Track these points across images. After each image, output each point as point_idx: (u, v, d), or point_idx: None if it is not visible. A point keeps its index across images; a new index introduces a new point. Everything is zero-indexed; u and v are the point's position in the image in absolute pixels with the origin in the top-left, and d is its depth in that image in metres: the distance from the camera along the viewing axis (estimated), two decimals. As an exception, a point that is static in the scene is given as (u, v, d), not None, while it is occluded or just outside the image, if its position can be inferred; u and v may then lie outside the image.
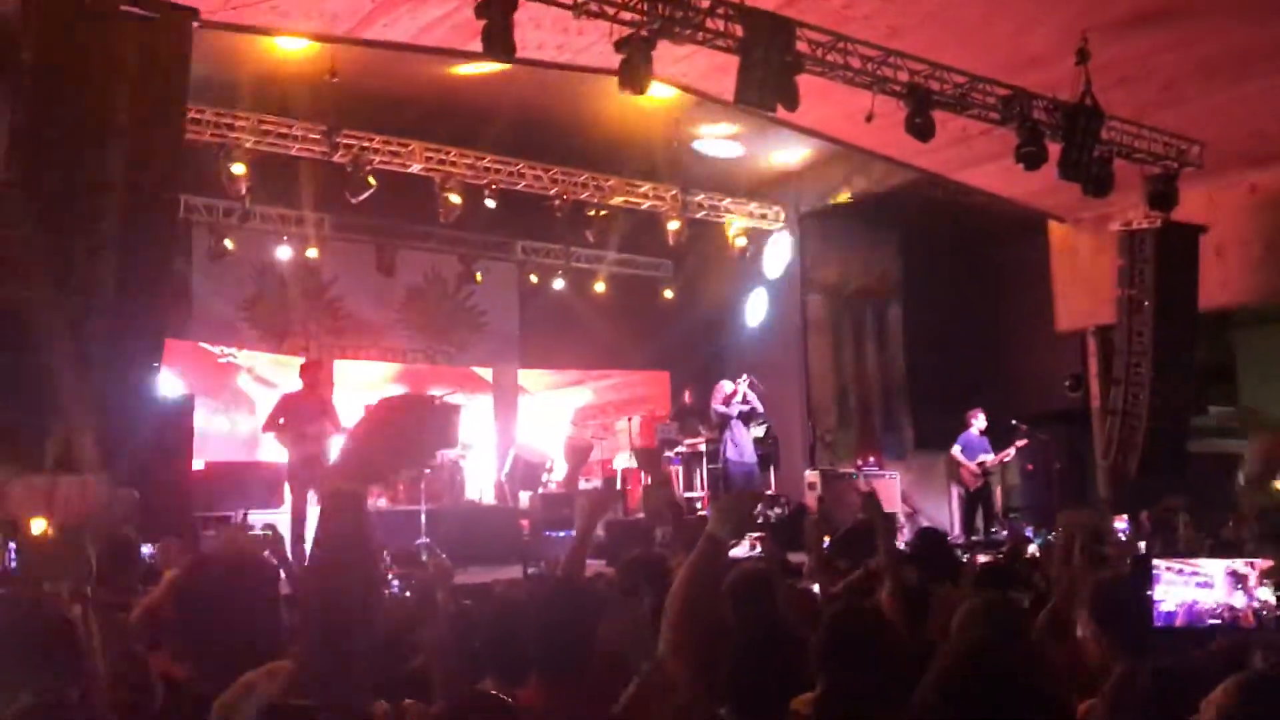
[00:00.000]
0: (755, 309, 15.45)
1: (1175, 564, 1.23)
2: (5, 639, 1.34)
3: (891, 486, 13.18)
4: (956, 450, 12.95)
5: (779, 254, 15.17)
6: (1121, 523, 9.48)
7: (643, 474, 13.58)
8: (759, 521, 11.03)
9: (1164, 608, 1.26)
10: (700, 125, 12.67)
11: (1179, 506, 7.97)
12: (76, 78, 6.38)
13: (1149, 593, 1.27)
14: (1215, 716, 1.83)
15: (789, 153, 13.66)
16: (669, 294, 15.40)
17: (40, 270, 6.12)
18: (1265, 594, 1.25)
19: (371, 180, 11.73)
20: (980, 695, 1.80)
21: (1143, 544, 7.18)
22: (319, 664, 1.59)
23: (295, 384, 10.90)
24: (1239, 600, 1.28)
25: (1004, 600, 2.90)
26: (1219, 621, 1.31)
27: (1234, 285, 12.11)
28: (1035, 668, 1.86)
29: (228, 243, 12.33)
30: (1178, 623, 1.33)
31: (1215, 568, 1.22)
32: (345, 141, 11.77)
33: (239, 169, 11.21)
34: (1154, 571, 1.25)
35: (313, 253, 13.04)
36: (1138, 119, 10.68)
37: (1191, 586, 1.27)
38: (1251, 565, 1.22)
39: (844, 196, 14.20)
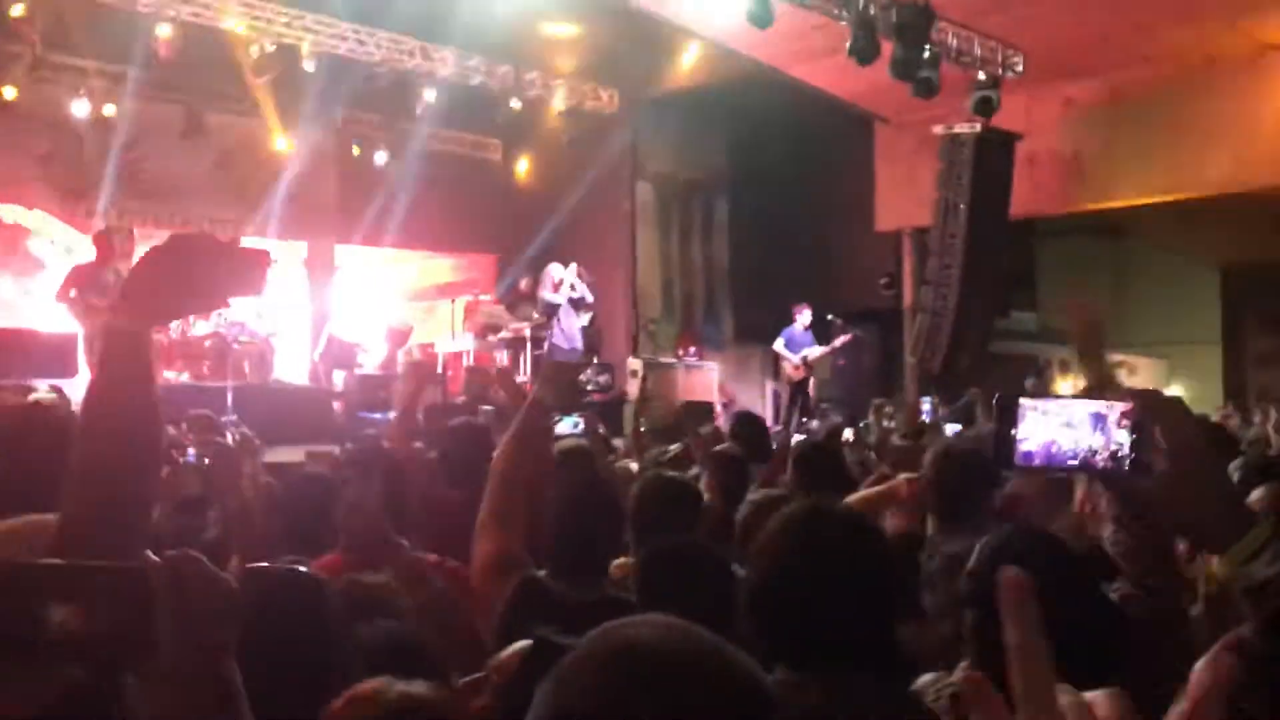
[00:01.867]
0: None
1: (1042, 404, 1.22)
2: None
3: (711, 377, 13.39)
4: (779, 344, 13.17)
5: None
6: (924, 404, 9.96)
7: (464, 356, 13.39)
8: (585, 390, 11.04)
9: (1024, 447, 1.25)
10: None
11: (977, 396, 8.39)
12: None
13: (1013, 432, 1.26)
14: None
15: (624, 35, 13.37)
16: (498, 175, 15.03)
17: None
18: (1122, 436, 1.25)
19: (174, 31, 10.92)
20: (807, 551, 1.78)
21: (949, 426, 7.52)
22: (87, 518, 1.41)
23: (87, 254, 10.21)
24: (1097, 441, 1.28)
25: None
26: (1075, 462, 1.30)
27: (1043, 195, 12.65)
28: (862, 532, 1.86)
29: (14, 92, 11.32)
30: (1036, 462, 1.32)
31: (1080, 409, 1.21)
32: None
33: (19, 10, 10.25)
34: (1020, 410, 1.23)
35: (111, 109, 12.09)
36: (967, 22, 10.88)
37: (1055, 426, 1.26)
38: (1111, 407, 1.22)
39: (678, 85, 14.05)
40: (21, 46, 11.06)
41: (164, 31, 11.09)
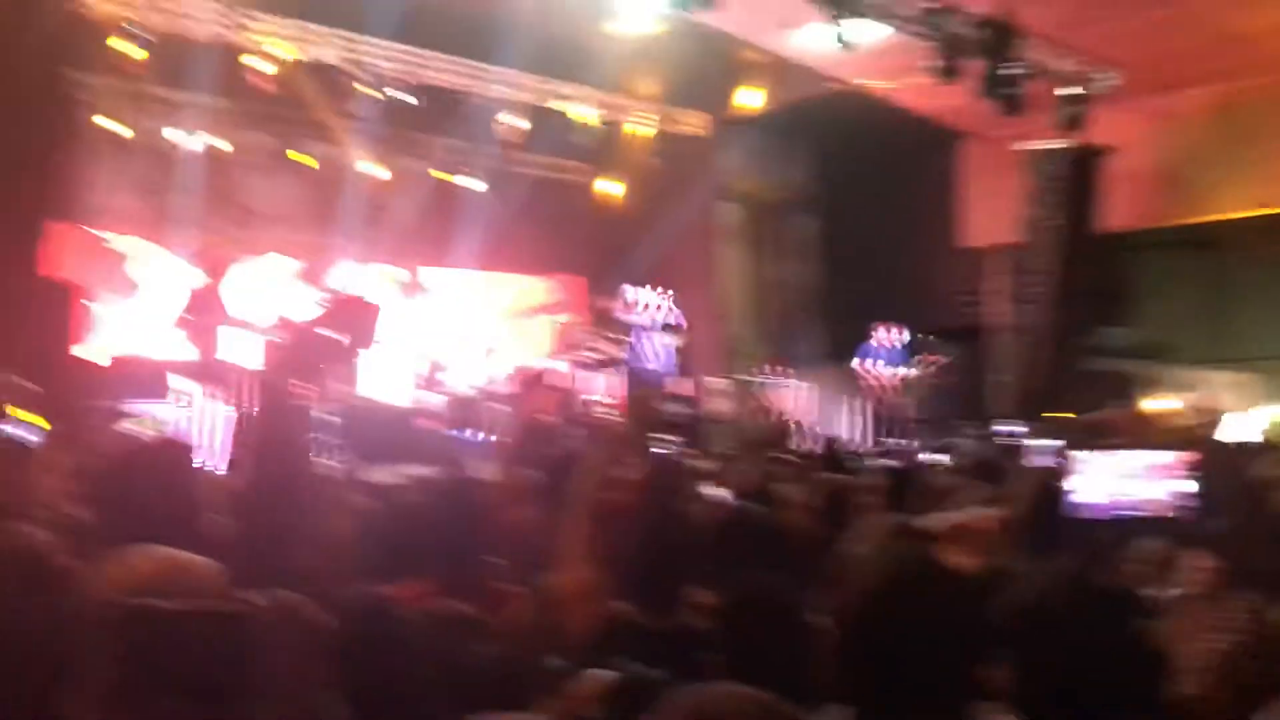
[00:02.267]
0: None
1: (1098, 454, 1.21)
2: None
3: (798, 396, 13.33)
4: (858, 363, 13.12)
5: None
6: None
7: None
8: (665, 419, 11.08)
9: (1077, 498, 1.25)
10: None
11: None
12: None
13: (1062, 486, 1.26)
14: None
15: (710, 56, 13.42)
16: (585, 198, 15.17)
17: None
18: (1182, 485, 1.24)
19: (274, 66, 11.29)
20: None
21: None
22: (261, 545, 1.52)
23: (193, 278, 10.57)
24: (1158, 491, 1.27)
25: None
26: (1137, 513, 1.30)
27: (1135, 209, 12.37)
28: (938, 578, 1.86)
29: (119, 125, 11.79)
30: (1100, 515, 1.32)
31: (1137, 460, 1.21)
32: (248, 24, 11.26)
33: (128, 47, 10.68)
34: (1075, 463, 1.23)
35: (213, 141, 12.52)
36: (1054, 37, 10.73)
37: (1116, 477, 1.26)
38: (1176, 458, 1.22)
39: (762, 105, 14.06)
40: (121, 80, 11.51)
41: (257, 64, 11.45)
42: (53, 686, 1.14)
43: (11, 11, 6.13)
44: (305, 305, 12.90)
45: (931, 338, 12.98)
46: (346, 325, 1.62)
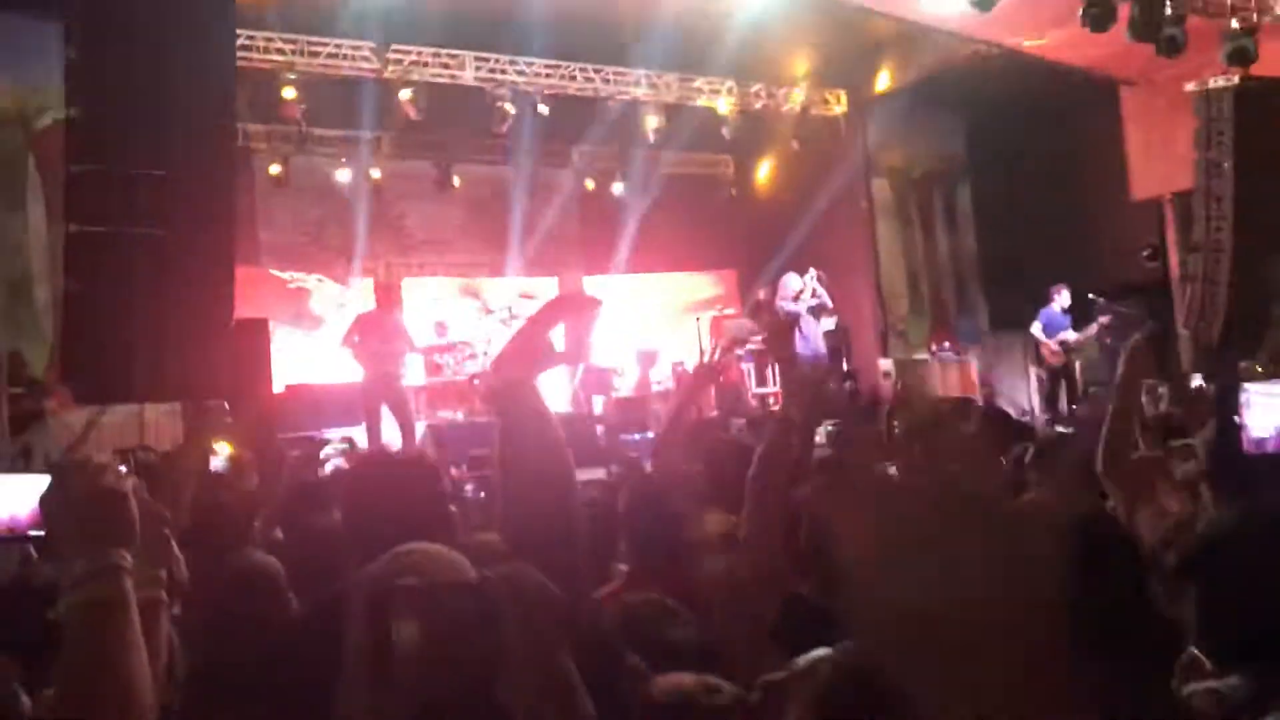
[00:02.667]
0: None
1: (1266, 386, 1.17)
2: (60, 507, 1.39)
3: (968, 370, 13.03)
4: (1037, 328, 12.69)
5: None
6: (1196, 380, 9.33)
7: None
8: (831, 400, 10.96)
9: (1255, 434, 1.21)
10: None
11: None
12: (128, 12, 6.40)
13: (1236, 419, 1.23)
14: None
15: (847, 33, 13.23)
16: (732, 190, 15.20)
17: (109, 203, 6.21)
18: None
19: (422, 95, 11.73)
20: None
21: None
22: (525, 536, 1.63)
23: (367, 304, 11.04)
24: None
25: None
26: None
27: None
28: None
29: (284, 169, 12.44)
30: (1271, 448, 1.27)
31: None
32: (394, 57, 11.71)
33: (290, 93, 11.27)
34: (1243, 395, 1.20)
35: (374, 172, 13.09)
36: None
37: None
38: None
39: (906, 77, 13.80)
40: (288, 126, 12.15)
41: (408, 95, 11.89)
42: (323, 688, 1.25)
43: (186, 73, 6.52)
44: (480, 320, 13.33)
45: (1102, 298, 12.46)
46: (577, 324, 1.71)
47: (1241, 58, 10.70)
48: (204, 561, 2.42)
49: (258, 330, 9.77)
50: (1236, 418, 1.33)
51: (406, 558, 1.42)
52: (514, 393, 1.73)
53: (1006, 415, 6.29)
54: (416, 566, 1.38)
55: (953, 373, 12.85)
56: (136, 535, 1.40)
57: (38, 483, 1.50)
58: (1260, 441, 1.32)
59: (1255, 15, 10.72)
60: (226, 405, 6.22)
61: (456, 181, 13.64)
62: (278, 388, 10.68)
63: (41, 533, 1.79)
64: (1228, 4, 10.54)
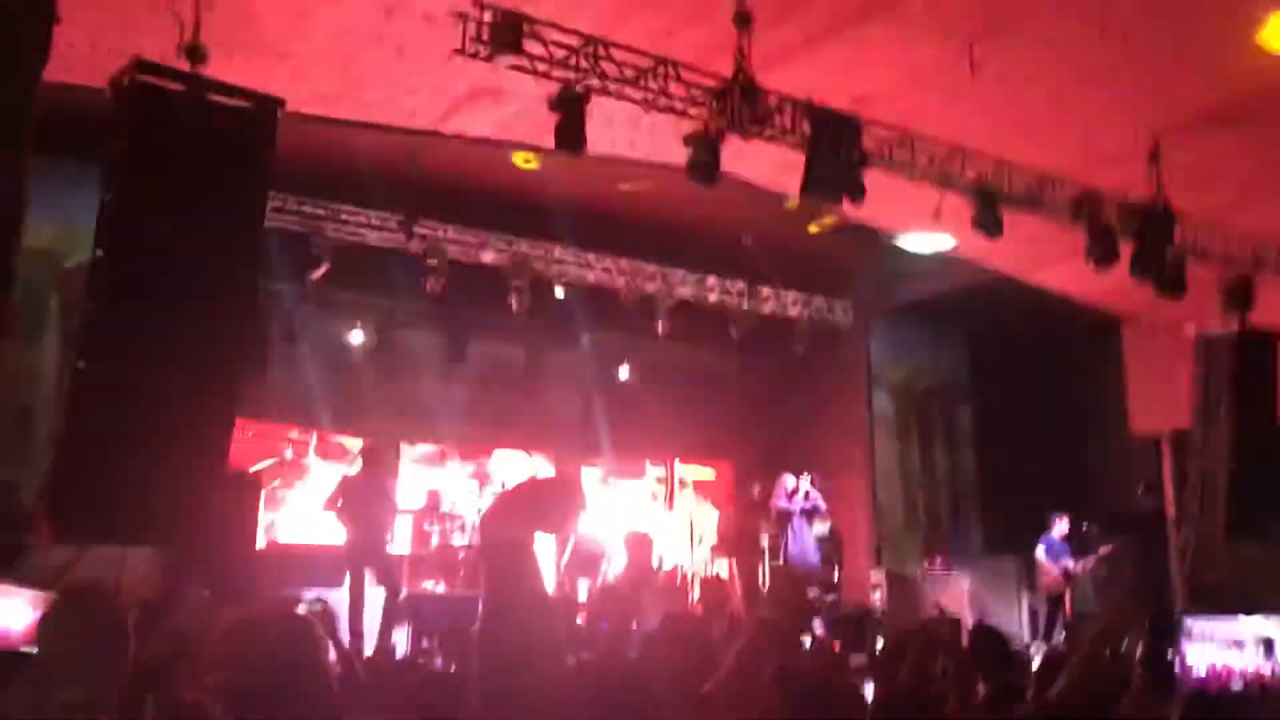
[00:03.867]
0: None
1: (1208, 624, 1.17)
2: (70, 634, 1.39)
3: (959, 588, 12.87)
4: (1040, 552, 12.65)
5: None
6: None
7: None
8: (812, 607, 10.84)
9: (1196, 672, 1.20)
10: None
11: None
12: (165, 163, 6.63)
13: (1173, 653, 1.21)
14: None
15: (858, 245, 13.63)
16: (734, 386, 15.36)
17: (120, 346, 6.30)
18: None
19: (443, 269, 12.04)
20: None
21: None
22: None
23: (355, 467, 11.03)
24: (1265, 665, 1.22)
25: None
26: (1243, 687, 1.24)
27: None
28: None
29: (300, 327, 12.64)
30: (1209, 687, 1.26)
31: (1246, 629, 1.16)
32: (420, 231, 12.08)
33: (322, 259, 11.57)
34: (1184, 632, 1.19)
35: (381, 338, 13.27)
36: (1212, 222, 10.55)
37: (1224, 648, 1.21)
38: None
39: (912, 294, 14.15)
40: (308, 286, 12.40)
41: (433, 267, 12.19)
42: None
43: (215, 226, 6.73)
44: (474, 494, 13.31)
45: (1096, 528, 12.47)
46: (557, 499, 1.74)
47: (1239, 304, 10.98)
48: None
49: (249, 484, 9.77)
50: (1171, 654, 1.33)
51: None
52: (508, 553, 1.72)
53: (998, 634, 6.19)
54: None
55: (943, 591, 12.68)
56: (129, 670, 1.41)
57: (31, 599, 1.52)
58: (1198, 679, 1.32)
59: (1253, 265, 11.06)
60: (206, 593, 6.17)
61: (466, 355, 13.78)
62: (261, 543, 10.59)
63: (34, 649, 1.79)
64: (1226, 253, 10.88)
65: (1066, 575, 12.47)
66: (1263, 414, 11.20)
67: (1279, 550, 11.47)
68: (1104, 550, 12.51)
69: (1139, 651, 6.91)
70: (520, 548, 1.74)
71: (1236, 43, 7.72)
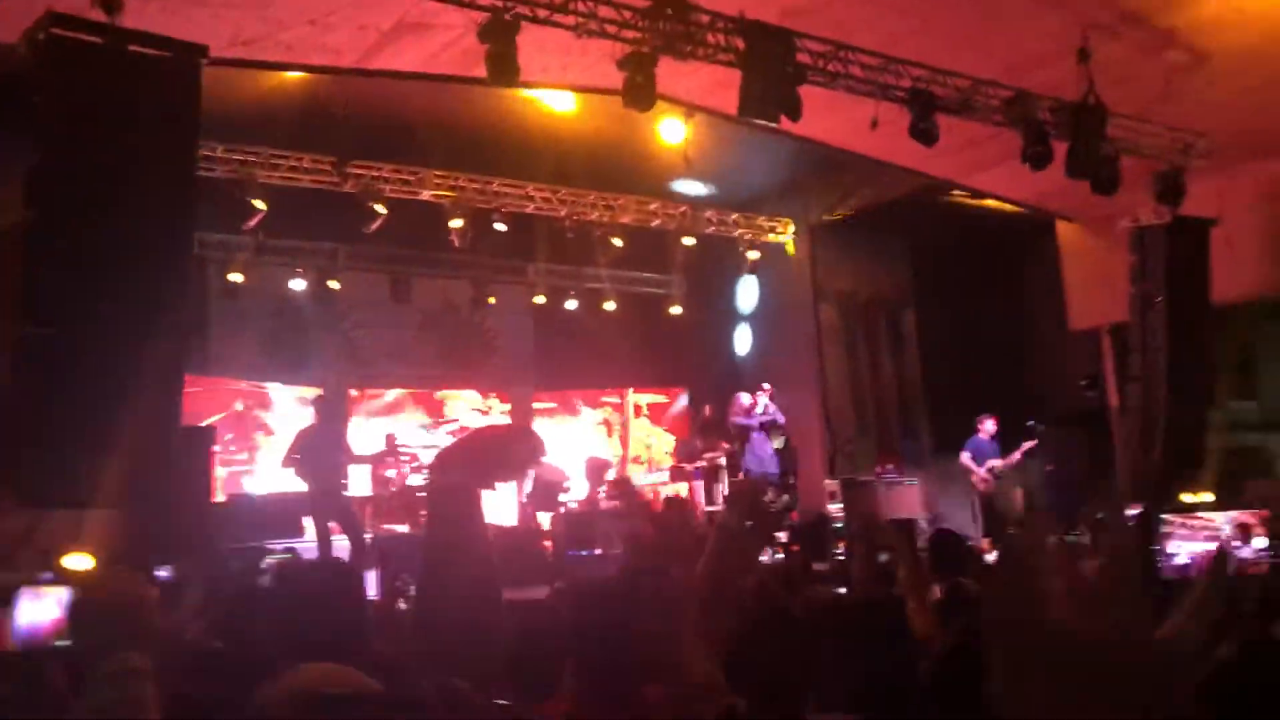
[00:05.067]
0: (745, 332, 15.59)
1: (1185, 517, 1.25)
2: (92, 613, 1.44)
3: (912, 493, 13.15)
4: (965, 457, 12.97)
5: (750, 288, 15.30)
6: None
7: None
8: (769, 511, 11.03)
9: (1177, 561, 1.29)
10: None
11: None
12: (89, 119, 6.49)
13: (1154, 547, 1.31)
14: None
15: (798, 161, 13.65)
16: (680, 310, 15.43)
17: (61, 307, 6.22)
18: (1260, 542, 1.27)
19: (381, 209, 11.89)
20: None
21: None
22: (442, 653, 1.64)
23: (308, 419, 10.98)
24: (1244, 550, 1.31)
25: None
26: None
27: (1247, 278, 12.06)
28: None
29: (242, 278, 12.48)
30: (1192, 574, 1.36)
31: (1222, 519, 1.25)
32: (355, 172, 11.90)
33: (259, 204, 11.38)
34: (1164, 526, 1.28)
35: (331, 284, 13.14)
36: (1142, 115, 10.70)
37: (1202, 539, 1.30)
38: (1254, 515, 1.25)
39: (851, 206, 14.24)
40: (244, 235, 12.22)
41: (370, 208, 12.03)
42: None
43: (146, 181, 6.61)
44: (430, 433, 13.35)
45: (1035, 424, 12.79)
46: (513, 447, 1.77)
47: (1171, 196, 11.20)
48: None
49: (202, 439, 9.70)
50: (1154, 545, 1.41)
51: (299, 676, 1.42)
52: (452, 498, 1.76)
53: (955, 537, 6.38)
54: (309, 684, 1.39)
55: (897, 495, 12.95)
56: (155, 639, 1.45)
57: (58, 595, 1.57)
58: (1182, 568, 1.40)
59: (1184, 156, 11.25)
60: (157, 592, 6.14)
61: (411, 295, 13.70)
62: (220, 497, 10.55)
63: (68, 643, 1.82)
64: (1158, 146, 11.05)
65: (993, 473, 12.82)
66: (1197, 297, 11.50)
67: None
68: (1026, 445, 12.85)
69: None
70: (464, 494, 1.76)
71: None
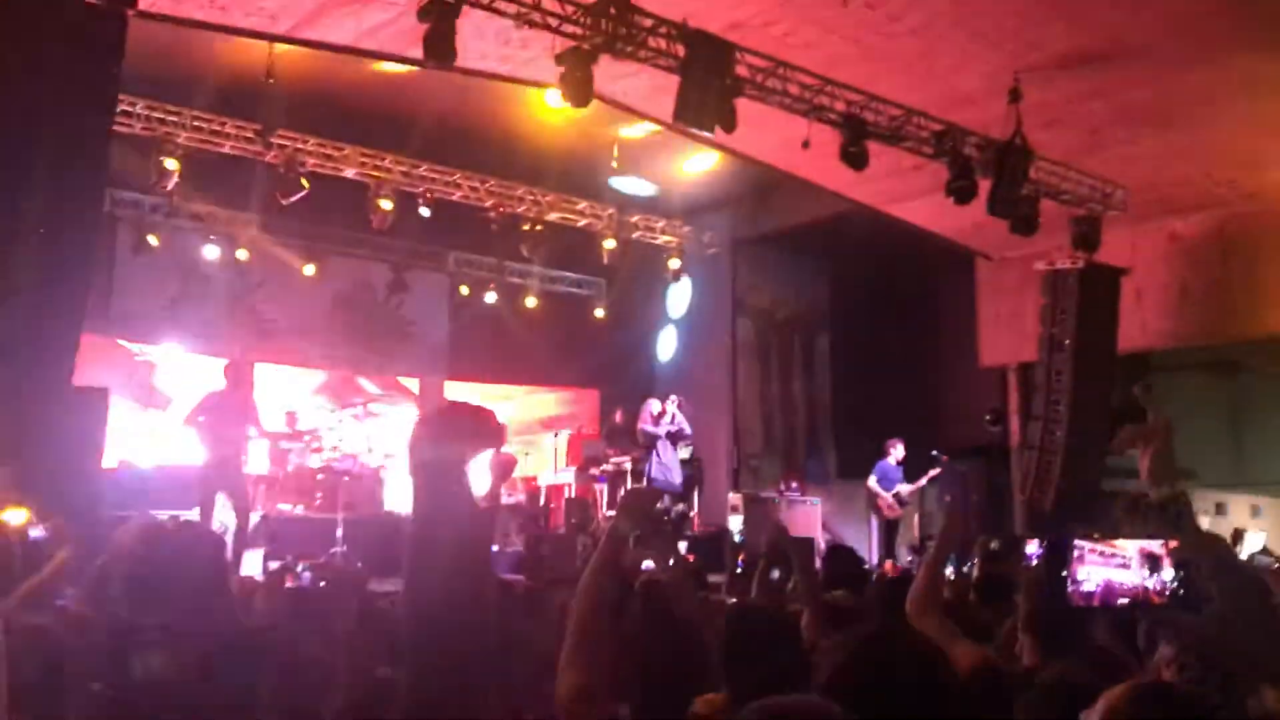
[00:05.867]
0: (670, 338, 15.66)
1: (1097, 545, 1.28)
2: None
3: (813, 513, 13.28)
4: (873, 481, 13.13)
5: (682, 295, 15.38)
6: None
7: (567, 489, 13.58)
8: (662, 518, 11.03)
9: (1085, 588, 1.31)
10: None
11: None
12: (4, 63, 6.24)
13: (1064, 574, 1.33)
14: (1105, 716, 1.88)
15: (725, 176, 13.72)
16: (600, 312, 15.40)
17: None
18: (1169, 574, 1.30)
19: (304, 182, 11.64)
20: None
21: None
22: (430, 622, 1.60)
23: (217, 383, 10.67)
24: (1151, 580, 1.34)
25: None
26: (1129, 601, 1.36)
27: (1152, 329, 12.42)
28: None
29: (152, 238, 12.14)
30: (1096, 601, 1.38)
31: (1131, 548, 1.27)
32: (279, 142, 11.63)
33: (172, 164, 11.06)
34: (1076, 551, 1.30)
35: (241, 253, 12.83)
36: (1065, 162, 10.95)
37: (1111, 567, 1.32)
38: (1164, 545, 1.28)
39: (776, 224, 14.36)
40: (158, 196, 11.87)
41: (285, 179, 11.75)
42: None
43: (58, 133, 6.37)
44: (331, 414, 13.10)
45: (937, 454, 13.02)
46: (477, 425, 1.77)
47: (1086, 243, 11.48)
48: None
49: (96, 399, 9.36)
50: (1065, 572, 1.43)
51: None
52: (441, 470, 1.74)
53: (852, 554, 6.44)
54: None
55: (798, 514, 13.07)
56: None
57: None
58: (1088, 595, 1.41)
59: (1101, 206, 11.55)
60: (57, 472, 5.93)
61: (310, 270, 13.37)
62: (111, 462, 10.20)
63: None
64: (1078, 193, 11.32)
65: (899, 499, 13.02)
66: (1104, 343, 11.79)
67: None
68: (931, 473, 13.08)
69: (975, 572, 7.25)
70: (453, 465, 1.77)
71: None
